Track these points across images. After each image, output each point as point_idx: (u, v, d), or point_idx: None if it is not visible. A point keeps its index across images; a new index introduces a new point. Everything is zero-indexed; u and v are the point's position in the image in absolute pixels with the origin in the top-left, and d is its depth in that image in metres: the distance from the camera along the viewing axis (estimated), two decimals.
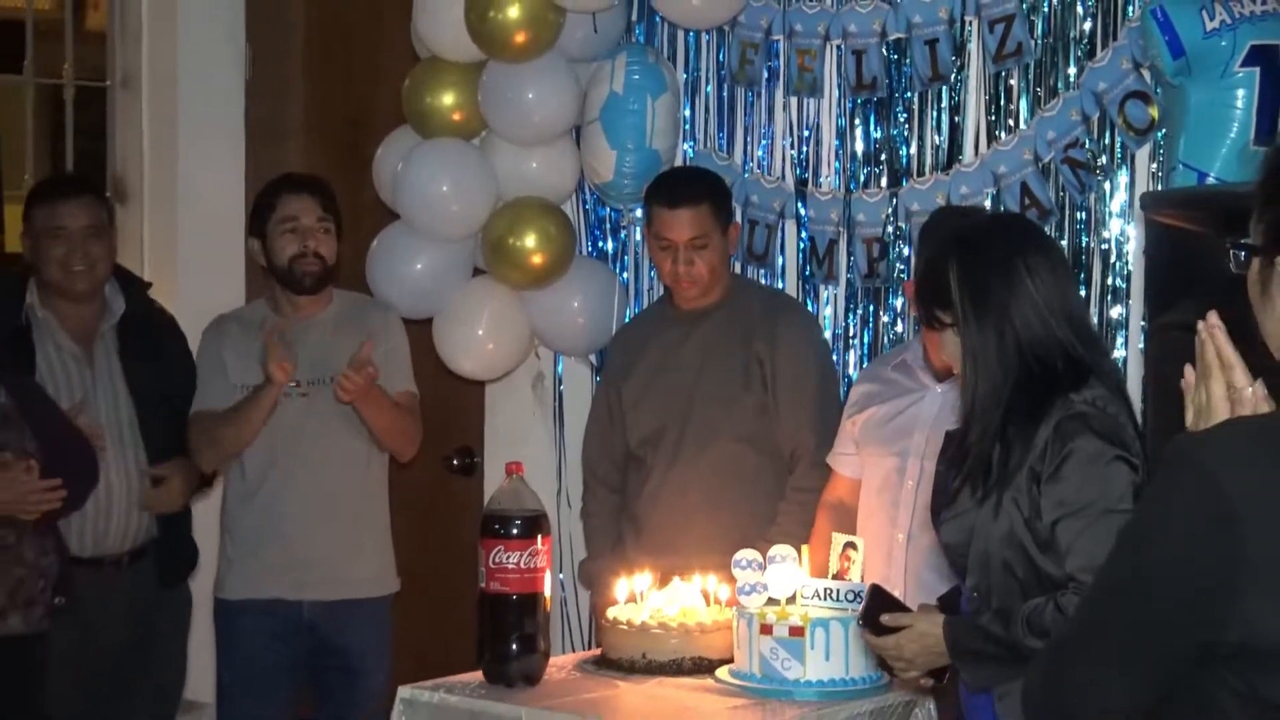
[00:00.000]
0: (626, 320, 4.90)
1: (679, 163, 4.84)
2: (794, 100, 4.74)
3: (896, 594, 3.62)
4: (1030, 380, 3.01)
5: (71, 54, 5.86)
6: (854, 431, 4.11)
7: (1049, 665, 2.00)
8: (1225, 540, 1.74)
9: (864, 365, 4.59)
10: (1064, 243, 4.31)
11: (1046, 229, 4.30)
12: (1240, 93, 3.67)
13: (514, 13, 4.68)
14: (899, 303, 4.60)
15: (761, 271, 4.79)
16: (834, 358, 4.60)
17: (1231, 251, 1.92)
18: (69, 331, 4.58)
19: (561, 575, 4.84)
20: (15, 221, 5.18)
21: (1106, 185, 4.29)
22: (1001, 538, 2.98)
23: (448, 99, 4.96)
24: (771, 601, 3.63)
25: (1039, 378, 3.01)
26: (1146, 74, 4.13)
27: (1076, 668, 1.93)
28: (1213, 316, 1.96)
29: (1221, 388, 1.95)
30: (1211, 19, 3.67)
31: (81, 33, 5.99)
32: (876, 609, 3.18)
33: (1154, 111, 4.11)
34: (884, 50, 4.53)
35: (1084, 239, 4.31)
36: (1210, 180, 3.62)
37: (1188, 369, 1.98)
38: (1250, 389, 1.95)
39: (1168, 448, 1.86)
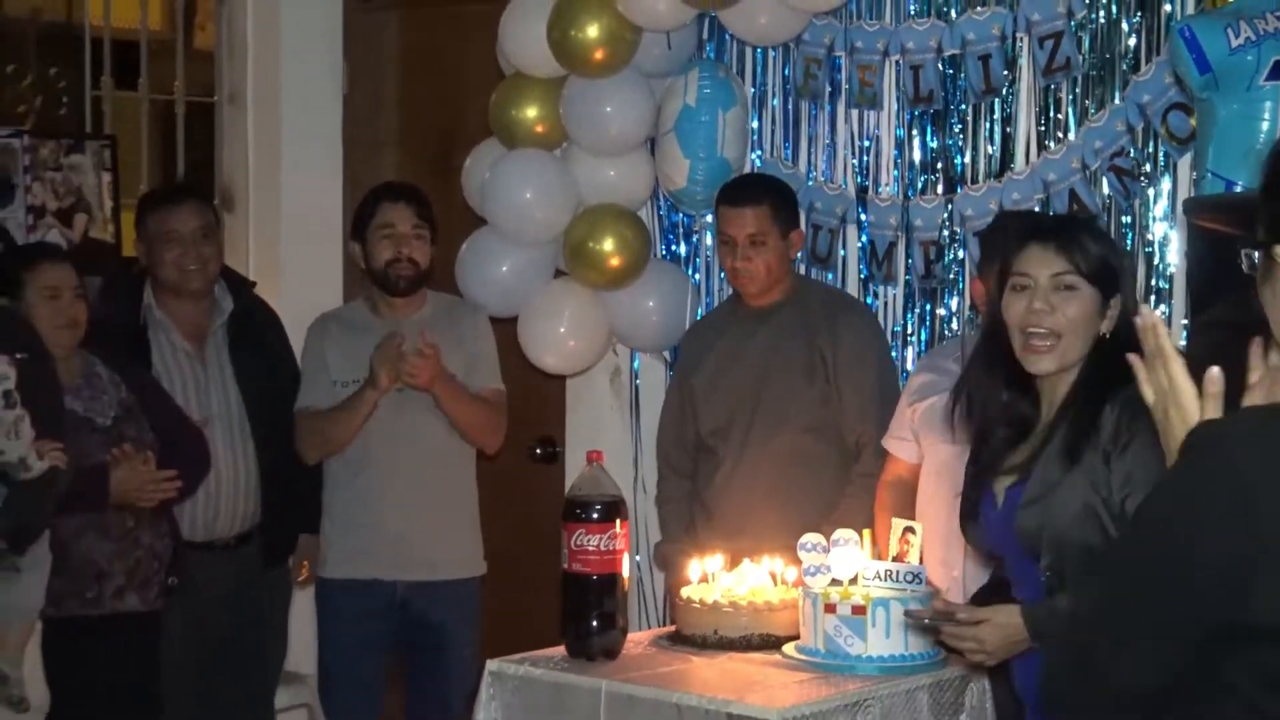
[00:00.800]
0: (698, 318, 4.92)
1: (747, 170, 4.84)
2: (855, 112, 4.73)
3: (955, 575, 3.62)
4: (1104, 374, 3.00)
5: (182, 72, 5.90)
6: (913, 419, 4.11)
7: (1071, 644, 1.97)
8: (1243, 518, 1.71)
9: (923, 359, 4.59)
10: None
11: None
12: (1266, 105, 3.64)
13: (593, 31, 4.70)
14: (954, 302, 4.60)
15: (825, 273, 4.78)
16: (893, 353, 4.60)
17: (1243, 253, 1.91)
18: (182, 330, 4.62)
19: (638, 557, 4.84)
20: (130, 227, 5.24)
21: (1150, 191, 4.27)
22: (1076, 516, 2.97)
23: (531, 112, 4.97)
24: (835, 582, 3.61)
25: (1108, 374, 2.98)
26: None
27: (1099, 647, 1.89)
28: (1151, 312, 1.97)
29: (1179, 366, 1.93)
30: (1237, 36, 3.65)
31: (191, 52, 6.03)
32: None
33: (1195, 122, 4.08)
34: (940, 65, 4.52)
35: (1129, 242, 4.29)
36: (1237, 189, 3.62)
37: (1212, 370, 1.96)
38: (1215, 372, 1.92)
39: (1189, 435, 1.84)
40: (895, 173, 4.68)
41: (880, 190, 4.71)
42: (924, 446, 4.09)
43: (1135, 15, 4.26)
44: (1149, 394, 1.99)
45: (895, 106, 4.66)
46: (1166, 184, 4.26)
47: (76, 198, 5.41)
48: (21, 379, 3.71)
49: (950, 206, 4.54)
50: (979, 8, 4.47)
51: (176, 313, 4.63)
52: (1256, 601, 1.72)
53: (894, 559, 3.64)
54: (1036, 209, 4.34)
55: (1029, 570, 3.07)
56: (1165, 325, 1.96)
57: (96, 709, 4.10)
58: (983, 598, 3.31)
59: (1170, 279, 4.24)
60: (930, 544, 3.85)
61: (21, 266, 4.16)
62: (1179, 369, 1.94)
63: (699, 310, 4.98)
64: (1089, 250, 3.04)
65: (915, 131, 4.65)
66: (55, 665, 3.84)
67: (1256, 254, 1.88)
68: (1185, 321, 4.13)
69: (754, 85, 4.92)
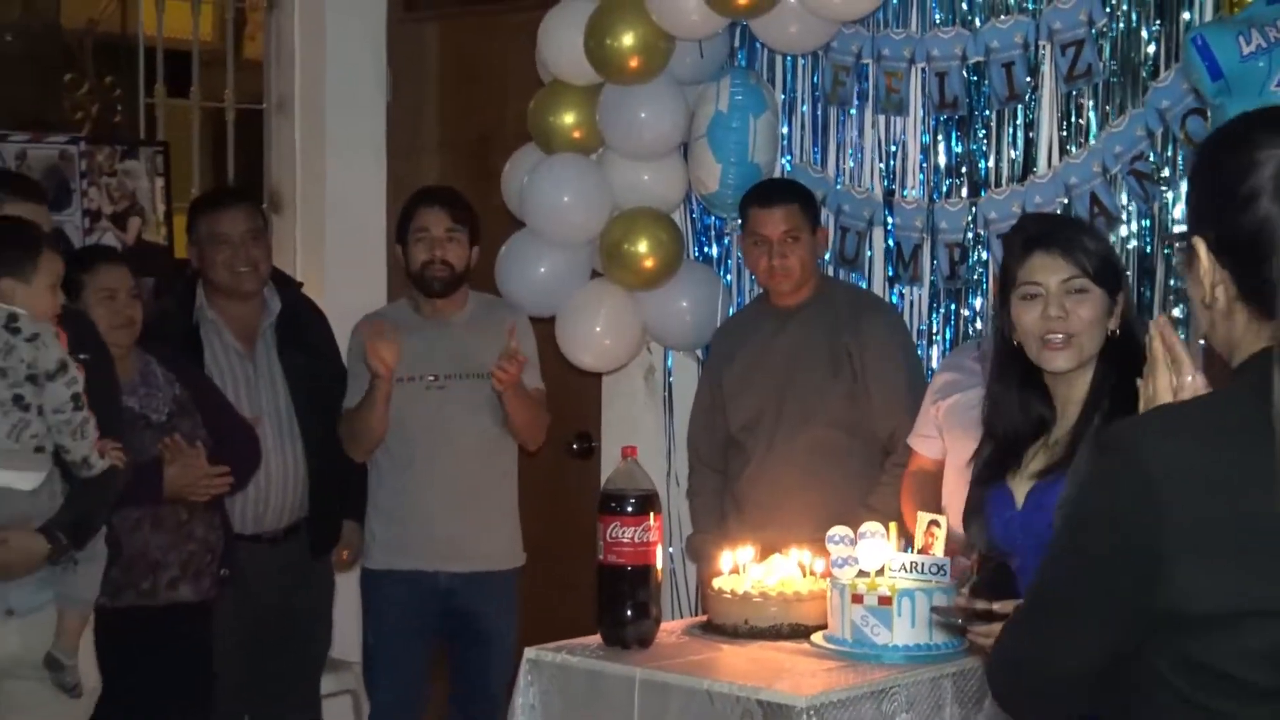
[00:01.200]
0: (728, 317, 4.92)
1: (777, 175, 4.84)
2: (882, 118, 4.73)
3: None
4: (1122, 372, 2.96)
5: (232, 80, 5.93)
6: (937, 416, 4.12)
7: (1005, 638, 1.98)
8: (1147, 509, 1.71)
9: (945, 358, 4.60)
10: (1130, 247, 4.30)
11: (1113, 235, 4.31)
12: None
13: (628, 40, 4.71)
14: (978, 302, 4.59)
15: (852, 274, 4.79)
16: (918, 350, 4.61)
17: (1175, 247, 1.94)
18: (233, 330, 4.65)
19: (671, 549, 4.83)
20: (181, 230, 5.26)
21: (1169, 194, 4.26)
22: None
23: (568, 118, 4.98)
24: (862, 573, 3.62)
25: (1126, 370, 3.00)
26: None
27: (1029, 637, 1.91)
28: (1162, 317, 1.97)
29: (1166, 380, 1.95)
30: (1248, 44, 3.64)
31: (241, 61, 6.05)
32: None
33: (1210, 127, 4.09)
34: (964, 72, 4.52)
35: (1149, 245, 4.29)
36: None
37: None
38: (1190, 379, 1.93)
39: (1104, 433, 1.87)
40: (921, 176, 4.68)
41: (906, 194, 4.71)
42: (948, 443, 4.09)
43: (1154, 23, 4.26)
44: (1141, 407, 2.00)
45: (921, 112, 4.66)
46: (1184, 186, 4.24)
47: (130, 202, 5.44)
48: (85, 380, 3.73)
49: (974, 209, 4.54)
50: (1002, 16, 4.46)
51: (227, 313, 4.65)
52: (1167, 590, 1.71)
53: (919, 551, 3.65)
54: (1059, 211, 4.34)
55: None
56: (1171, 331, 1.96)
57: (149, 696, 4.11)
58: (988, 581, 3.28)
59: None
60: (956, 536, 3.86)
61: (80, 269, 4.17)
62: (1162, 380, 1.95)
63: (730, 310, 4.99)
64: (1092, 251, 3.03)
65: (940, 136, 4.65)
66: (110, 654, 3.86)
67: (1183, 247, 1.90)
68: None
69: (784, 92, 4.92)
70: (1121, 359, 2.98)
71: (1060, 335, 3.00)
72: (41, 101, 5.90)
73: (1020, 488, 3.10)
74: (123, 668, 3.90)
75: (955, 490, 4.02)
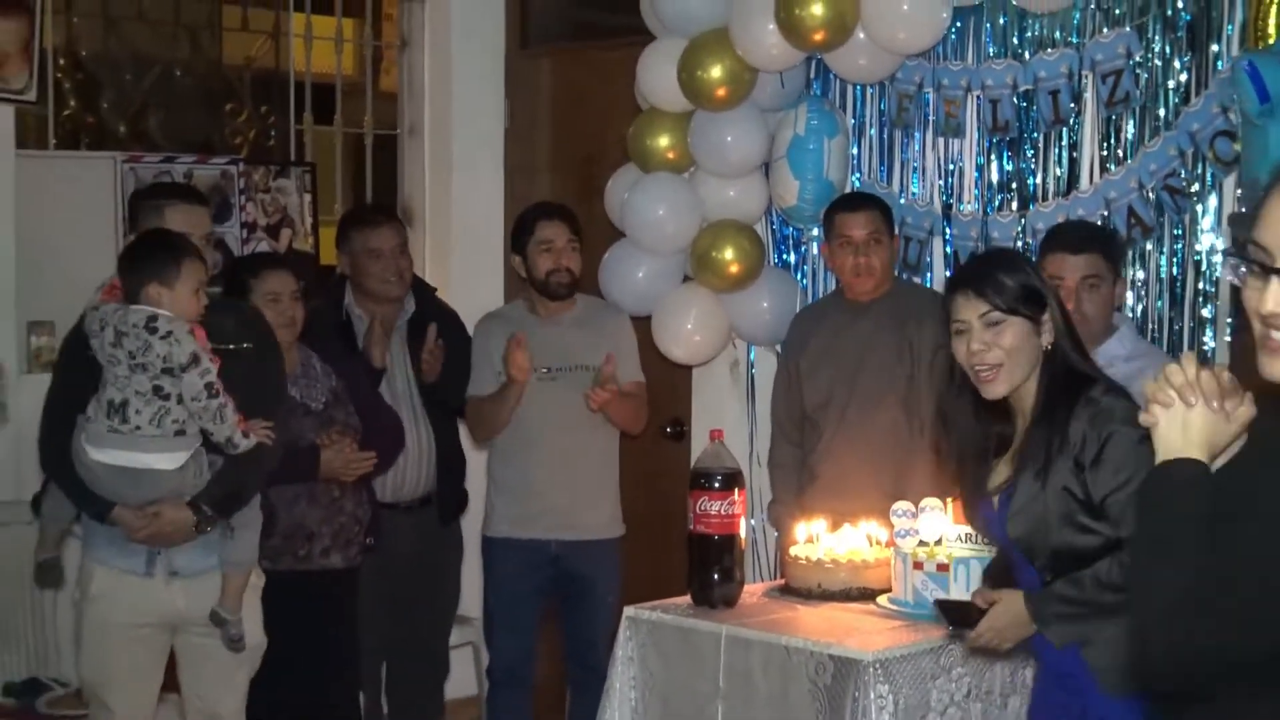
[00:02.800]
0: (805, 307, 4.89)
1: (849, 191, 4.82)
2: (941, 140, 4.71)
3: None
4: (1062, 383, 2.96)
5: (370, 109, 5.99)
6: None
7: (1166, 623, 1.86)
8: None
9: None
10: (1163, 254, 4.28)
11: (1148, 244, 4.29)
12: None
13: (716, 72, 4.72)
14: None
15: (915, 277, 4.78)
16: None
17: (1229, 263, 1.89)
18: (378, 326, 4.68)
19: (753, 520, 4.81)
20: (326, 239, 5.35)
21: (1199, 207, 4.23)
22: (1057, 523, 2.91)
23: (663, 141, 4.98)
24: (922, 543, 3.63)
25: (1066, 382, 2.96)
26: (1233, 116, 4.07)
27: (1209, 620, 1.82)
28: (1188, 358, 1.93)
29: (1177, 413, 1.90)
30: None
31: (378, 92, 6.10)
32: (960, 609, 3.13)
33: (1238, 147, 4.05)
34: (1015, 99, 4.50)
35: (1180, 252, 4.26)
36: None
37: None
38: (1239, 406, 1.89)
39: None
40: (976, 192, 4.66)
41: (963, 207, 4.69)
42: None
43: (1185, 55, 4.22)
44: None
45: (976, 135, 4.64)
46: (1213, 201, 4.21)
47: (282, 215, 5.51)
48: (246, 367, 3.77)
49: (1023, 221, 4.52)
50: (1049, 49, 4.44)
51: (371, 313, 4.68)
52: None
53: None
54: (1099, 222, 4.32)
55: (1025, 566, 3.02)
56: (1194, 369, 1.94)
57: (304, 650, 4.17)
58: (993, 572, 3.25)
59: (1216, 283, 4.19)
60: None
61: (248, 274, 4.22)
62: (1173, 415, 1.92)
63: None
64: (1004, 285, 2.97)
65: (993, 156, 4.62)
66: (271, 613, 3.92)
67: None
68: (1230, 320, 4.08)
69: (854, 117, 4.91)
70: (1061, 368, 2.97)
71: (986, 366, 2.96)
72: (206, 128, 5.98)
73: (994, 493, 3.04)
74: (281, 625, 3.95)
75: None
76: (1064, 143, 4.49)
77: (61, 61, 5.52)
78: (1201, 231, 4.23)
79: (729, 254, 4.88)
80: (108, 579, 3.73)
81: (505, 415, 4.59)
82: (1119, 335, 3.80)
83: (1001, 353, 2.96)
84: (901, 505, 3.73)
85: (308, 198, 5.58)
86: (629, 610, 3.70)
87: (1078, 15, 4.40)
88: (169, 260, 3.61)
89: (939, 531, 3.66)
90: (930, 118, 4.72)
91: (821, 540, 3.90)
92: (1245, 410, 1.92)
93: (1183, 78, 4.24)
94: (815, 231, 4.88)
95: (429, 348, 4.61)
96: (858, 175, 4.91)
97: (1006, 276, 3.00)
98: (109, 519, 3.66)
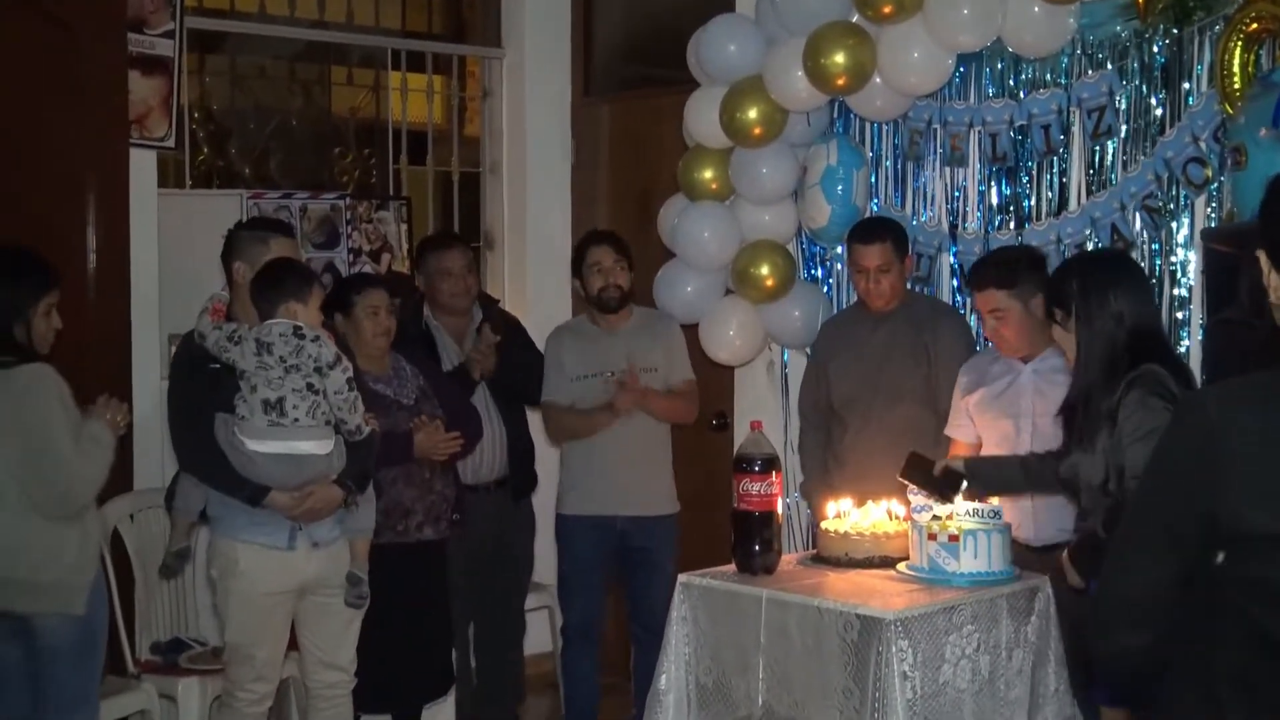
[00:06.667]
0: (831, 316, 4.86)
1: (868, 214, 4.80)
2: (948, 169, 4.67)
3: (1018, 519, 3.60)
4: (1115, 360, 3.03)
5: (457, 151, 6.02)
6: (968, 407, 4.04)
7: (1106, 563, 1.91)
8: (1209, 448, 1.68)
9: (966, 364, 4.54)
10: (1144, 265, 4.22)
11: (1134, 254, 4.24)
12: None
13: (753, 114, 4.70)
14: None
15: (927, 288, 4.74)
16: (977, 346, 4.54)
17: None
18: (450, 334, 4.72)
19: (788, 499, 4.82)
20: None
21: (1173, 224, 4.17)
22: (1096, 468, 2.98)
23: (708, 174, 4.97)
24: (935, 518, 3.59)
25: (1121, 359, 3.01)
26: (1203, 144, 4.01)
27: (1122, 559, 1.85)
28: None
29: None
30: None
31: (463, 137, 6.12)
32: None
33: (1208, 172, 3.99)
34: (1011, 133, 4.45)
35: (1158, 263, 4.19)
36: None
37: None
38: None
39: (1180, 397, 1.86)
40: (978, 214, 4.62)
41: (966, 227, 4.65)
42: (981, 426, 4.01)
43: (1161, 92, 4.16)
44: None
45: (978, 164, 4.59)
46: (1186, 219, 4.15)
47: (383, 242, 5.53)
48: None
49: (1020, 238, 4.46)
50: (1041, 90, 4.39)
51: (446, 323, 4.72)
52: (1224, 510, 1.68)
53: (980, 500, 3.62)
54: (1089, 246, 4.26)
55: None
56: None
57: (402, 612, 4.19)
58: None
59: (1190, 290, 4.13)
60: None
61: (353, 291, 4.27)
62: None
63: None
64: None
65: (993, 183, 4.58)
66: (375, 580, 3.93)
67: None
68: (1202, 321, 4.03)
69: (872, 150, 4.88)
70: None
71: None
72: (317, 168, 6.02)
73: None
74: (384, 590, 3.96)
75: (1016, 450, 3.95)
76: (1055, 170, 4.43)
77: (196, 114, 5.56)
78: (1176, 245, 4.17)
79: (765, 270, 4.86)
80: (253, 555, 3.73)
81: (591, 433, 4.61)
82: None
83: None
84: None
85: (404, 227, 5.60)
86: (682, 577, 3.69)
87: (1066, 59, 4.35)
88: (303, 283, 3.70)
89: (950, 507, 3.62)
90: (938, 150, 4.69)
91: (849, 516, 3.87)
92: None
93: (1158, 112, 4.18)
94: (839, 250, 4.84)
95: (477, 347, 4.60)
96: (875, 201, 4.87)
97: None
98: (263, 503, 3.67)
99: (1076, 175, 4.38)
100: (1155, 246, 4.21)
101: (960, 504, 3.61)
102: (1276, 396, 1.70)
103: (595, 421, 4.60)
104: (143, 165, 4.89)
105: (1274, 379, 1.77)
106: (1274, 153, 3.38)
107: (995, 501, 3.60)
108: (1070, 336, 3.15)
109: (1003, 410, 3.94)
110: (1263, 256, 1.80)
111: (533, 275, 5.89)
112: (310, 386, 3.65)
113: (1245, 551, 1.68)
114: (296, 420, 3.63)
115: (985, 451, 3.98)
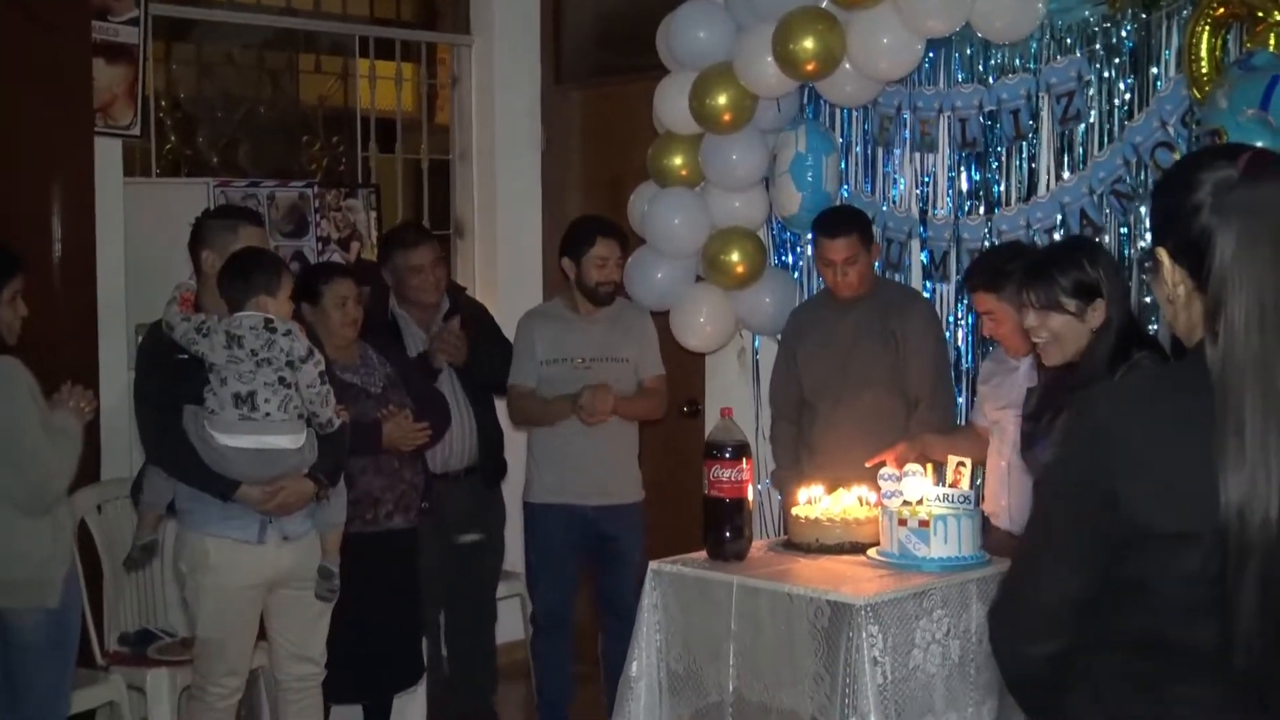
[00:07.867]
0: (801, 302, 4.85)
1: (837, 201, 4.77)
2: (917, 155, 4.66)
3: (1003, 504, 3.55)
4: (1118, 349, 2.98)
5: (426, 139, 5.98)
6: (984, 394, 4.05)
7: (1010, 572, 1.85)
8: (1101, 449, 1.65)
9: (968, 341, 4.52)
10: (1113, 251, 4.20)
11: (1101, 239, 4.22)
12: None
13: (722, 100, 4.68)
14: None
15: (896, 274, 4.73)
16: (945, 334, 4.53)
17: (1146, 265, 1.84)
18: (417, 323, 4.68)
19: (759, 485, 4.82)
20: None
21: (1142, 209, 4.16)
22: None
23: (678, 160, 4.95)
24: (906, 503, 3.59)
25: (1118, 346, 2.98)
26: (1171, 129, 4.00)
27: (1018, 575, 1.80)
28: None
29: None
30: None
31: (433, 125, 6.08)
32: None
33: (1177, 156, 3.98)
34: (981, 118, 4.44)
35: (1125, 248, 4.19)
36: None
37: None
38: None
39: (1074, 398, 1.82)
40: (948, 199, 4.61)
41: (936, 212, 4.64)
42: (986, 413, 4.02)
43: (1129, 77, 4.16)
44: None
45: (948, 150, 4.58)
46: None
47: (351, 230, 5.49)
48: None
49: (990, 224, 4.46)
50: (1010, 75, 4.38)
51: (413, 313, 4.68)
52: (1120, 508, 1.64)
53: (949, 485, 3.61)
54: (1057, 224, 4.25)
55: None
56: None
57: (372, 602, 4.16)
58: None
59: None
60: (989, 481, 3.82)
61: (320, 281, 4.23)
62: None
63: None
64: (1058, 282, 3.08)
65: (963, 168, 4.56)
66: (344, 570, 3.90)
67: (1148, 262, 1.84)
68: None
69: (842, 136, 4.86)
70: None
71: (1039, 341, 3.15)
72: (286, 156, 5.97)
73: None
74: (353, 580, 3.93)
75: (994, 450, 3.94)
76: (1024, 155, 4.42)
77: (162, 102, 5.50)
78: (1145, 230, 4.16)
79: (735, 256, 4.85)
80: (223, 549, 3.69)
81: (550, 423, 4.58)
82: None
83: (1048, 334, 3.09)
84: (888, 470, 3.68)
85: (373, 215, 5.56)
86: (653, 564, 3.67)
87: (1035, 45, 4.34)
88: (273, 274, 3.65)
89: (920, 493, 3.62)
90: (908, 136, 4.67)
91: (820, 502, 3.87)
92: None
93: (1127, 97, 4.18)
94: (809, 236, 4.82)
95: (442, 336, 4.56)
96: (846, 187, 4.85)
97: (1059, 274, 3.07)
98: (233, 497, 3.63)
99: (1045, 160, 4.37)
100: (1124, 231, 4.20)
101: (931, 489, 3.59)
102: (1165, 397, 1.69)
103: (555, 411, 4.56)
104: (108, 154, 4.83)
105: (1163, 379, 1.77)
106: (1256, 136, 3.36)
107: (965, 486, 3.58)
108: (1082, 326, 3.03)
109: (1003, 398, 3.93)
110: (1164, 255, 1.74)
111: (503, 263, 5.87)
112: (282, 380, 3.60)
113: (1131, 550, 1.65)
114: (268, 414, 3.59)
115: (992, 444, 3.97)
